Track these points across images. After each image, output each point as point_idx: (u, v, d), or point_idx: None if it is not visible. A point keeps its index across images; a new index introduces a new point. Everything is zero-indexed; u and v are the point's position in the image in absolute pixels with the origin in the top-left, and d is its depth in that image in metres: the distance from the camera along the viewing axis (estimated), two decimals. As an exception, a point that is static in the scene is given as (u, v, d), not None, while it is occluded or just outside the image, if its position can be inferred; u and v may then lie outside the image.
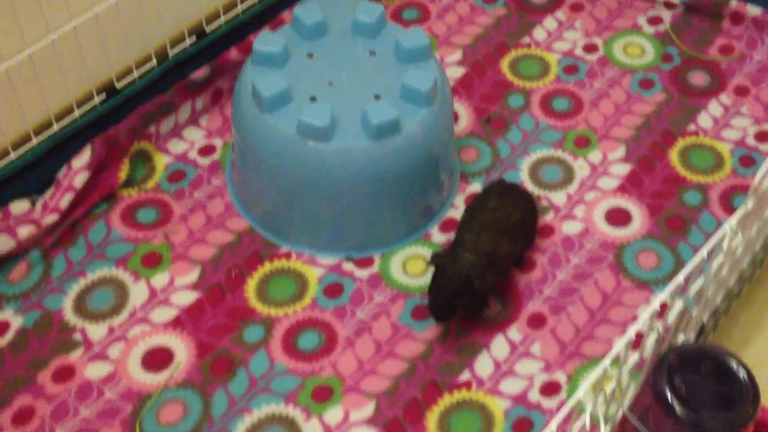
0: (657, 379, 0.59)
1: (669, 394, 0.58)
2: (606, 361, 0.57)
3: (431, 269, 1.08)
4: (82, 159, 1.16)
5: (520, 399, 1.04)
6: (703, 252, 0.64)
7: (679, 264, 1.17)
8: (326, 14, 1.19)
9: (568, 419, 0.64)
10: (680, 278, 0.63)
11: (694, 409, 0.58)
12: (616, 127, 1.31)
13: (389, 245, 1.17)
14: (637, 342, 0.60)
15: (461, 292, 1.03)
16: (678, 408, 0.58)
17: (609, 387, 0.64)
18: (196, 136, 1.28)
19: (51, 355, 1.05)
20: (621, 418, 0.65)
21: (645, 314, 0.60)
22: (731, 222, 0.67)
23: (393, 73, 1.15)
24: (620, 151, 1.28)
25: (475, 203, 1.12)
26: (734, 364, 0.60)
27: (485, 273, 1.04)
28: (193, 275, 1.13)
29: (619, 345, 0.57)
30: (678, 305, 0.68)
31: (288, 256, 1.16)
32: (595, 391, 0.57)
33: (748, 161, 1.27)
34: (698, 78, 1.37)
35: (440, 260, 1.04)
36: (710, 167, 1.26)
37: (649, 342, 0.65)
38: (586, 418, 0.59)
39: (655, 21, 1.45)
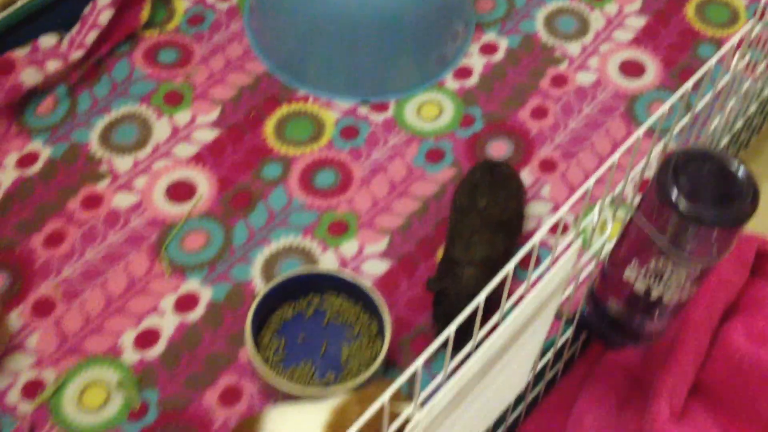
0: (662, 176, 0.62)
1: (674, 191, 0.62)
2: (615, 156, 0.60)
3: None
4: (105, -3, 1.18)
5: (528, 236, 1.08)
6: (712, 61, 0.66)
7: (693, 115, 1.19)
8: None
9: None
10: (689, 84, 0.65)
11: (696, 205, 0.62)
12: (634, -19, 1.31)
13: (404, 91, 1.19)
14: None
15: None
16: (682, 203, 0.62)
17: (618, 189, 0.68)
18: (214, -19, 1.29)
19: (79, 184, 1.09)
20: (627, 220, 0.68)
21: (654, 117, 0.63)
22: (735, 39, 0.68)
23: None
24: (636, 4, 1.28)
25: (463, 200, 1.02)
26: (735, 165, 0.63)
27: (488, 282, 0.96)
28: (214, 114, 1.16)
29: (630, 141, 0.60)
30: (685, 120, 0.71)
31: (305, 99, 1.18)
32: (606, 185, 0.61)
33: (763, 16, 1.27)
34: (719, -67, 1.36)
35: (439, 284, 0.97)
36: (725, 21, 1.27)
37: (657, 148, 0.68)
38: (594, 214, 0.63)
39: None
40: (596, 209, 0.63)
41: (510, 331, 0.57)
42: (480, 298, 0.54)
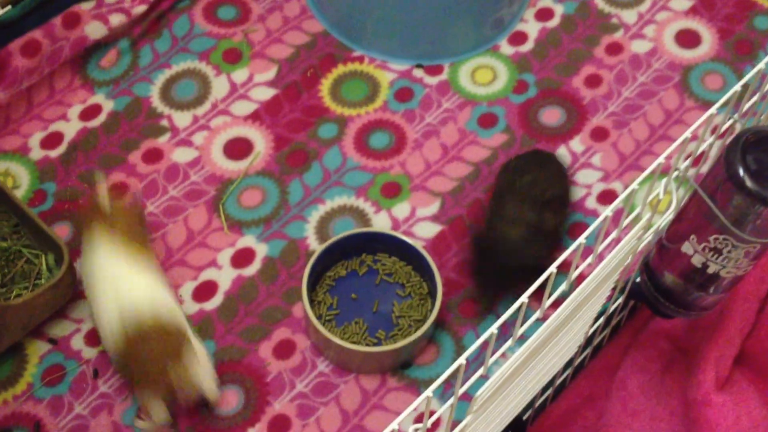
0: (730, 154, 0.63)
1: (741, 169, 0.63)
2: (687, 134, 0.61)
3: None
4: (167, -48, 1.19)
5: (578, 206, 1.09)
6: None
7: (744, 86, 1.19)
8: None
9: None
10: (761, 65, 0.66)
11: (762, 184, 0.63)
12: (694, -51, 1.30)
13: (459, 54, 1.20)
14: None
15: (512, 265, 0.97)
16: (748, 181, 0.63)
17: (683, 165, 0.69)
18: (272, -62, 1.29)
19: (141, 138, 1.12)
20: (690, 195, 0.70)
21: (726, 97, 0.64)
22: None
23: None
24: (695, -27, 1.27)
25: (502, 180, 1.03)
26: (804, 146, 0.64)
27: (533, 243, 0.97)
28: (271, 73, 1.18)
29: (702, 119, 0.61)
30: (754, 99, 0.71)
31: (361, 59, 1.20)
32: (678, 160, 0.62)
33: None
34: None
35: (486, 238, 0.98)
36: (785, -7, 1.26)
37: (724, 126, 0.69)
38: (661, 188, 0.64)
39: None
40: (662, 185, 0.64)
41: (575, 304, 0.60)
42: (552, 268, 0.56)
